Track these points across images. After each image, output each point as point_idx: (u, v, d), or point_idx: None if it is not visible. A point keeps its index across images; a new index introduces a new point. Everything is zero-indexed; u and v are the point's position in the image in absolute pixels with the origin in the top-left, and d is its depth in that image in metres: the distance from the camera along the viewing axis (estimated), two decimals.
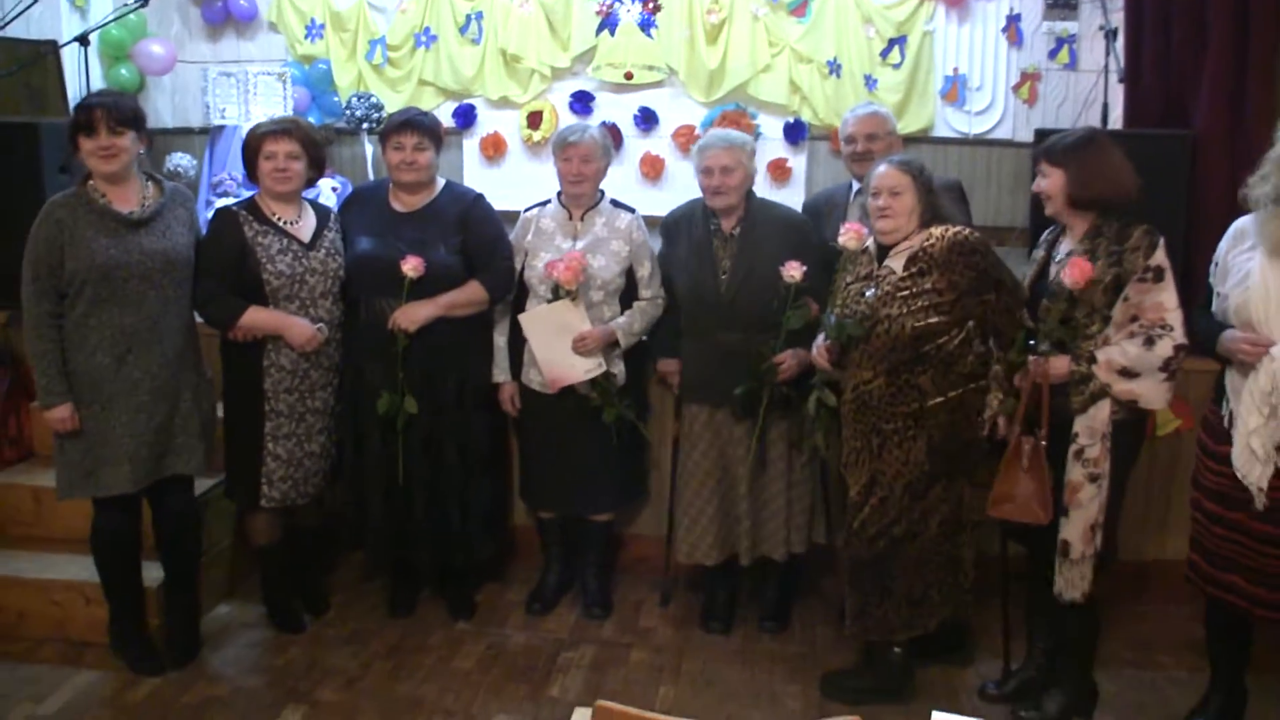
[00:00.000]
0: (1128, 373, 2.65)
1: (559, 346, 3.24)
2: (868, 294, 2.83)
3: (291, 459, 3.20)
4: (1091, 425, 2.70)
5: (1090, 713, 2.93)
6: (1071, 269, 2.63)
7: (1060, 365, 2.69)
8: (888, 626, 2.93)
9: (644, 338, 3.42)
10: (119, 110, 2.87)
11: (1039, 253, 2.91)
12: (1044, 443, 2.72)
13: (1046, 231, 2.93)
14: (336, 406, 3.29)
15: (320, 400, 3.23)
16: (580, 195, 3.34)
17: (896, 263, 2.82)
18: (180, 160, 4.85)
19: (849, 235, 2.89)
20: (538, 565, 3.69)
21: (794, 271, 3.04)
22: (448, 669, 3.21)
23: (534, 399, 3.40)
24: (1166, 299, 2.64)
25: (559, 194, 3.40)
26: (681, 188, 3.33)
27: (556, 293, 3.23)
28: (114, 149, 2.86)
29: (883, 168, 2.86)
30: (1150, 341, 2.63)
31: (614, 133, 4.77)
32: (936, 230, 2.80)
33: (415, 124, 3.22)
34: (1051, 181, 2.75)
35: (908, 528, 2.85)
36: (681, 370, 3.40)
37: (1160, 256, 2.65)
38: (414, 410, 3.18)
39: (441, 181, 3.36)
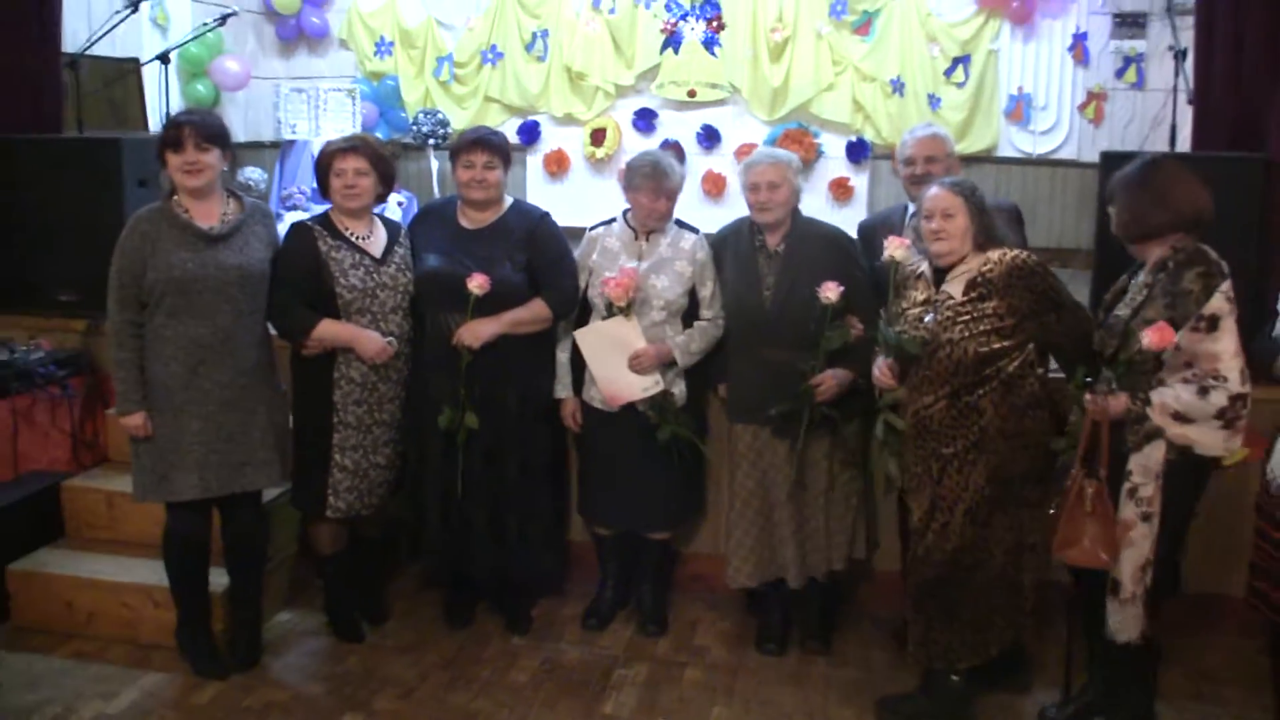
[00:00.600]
0: (1181, 417, 2.56)
1: (615, 364, 3.26)
2: (927, 319, 2.82)
3: (358, 470, 3.26)
4: (1146, 464, 2.63)
5: None
6: (1153, 333, 2.50)
7: (1119, 404, 2.61)
8: (951, 653, 2.90)
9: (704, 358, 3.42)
10: (206, 128, 2.98)
11: (1124, 278, 2.83)
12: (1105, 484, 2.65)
13: None
14: (403, 419, 3.34)
15: (388, 413, 3.28)
16: (658, 225, 3.36)
17: (954, 287, 2.80)
18: (251, 174, 4.99)
19: (894, 245, 2.89)
20: (594, 581, 3.70)
21: (830, 293, 3.03)
22: (503, 682, 3.23)
23: (595, 416, 3.42)
24: (1222, 349, 2.52)
25: (625, 213, 3.42)
26: (744, 205, 3.34)
27: (610, 309, 3.26)
28: (199, 165, 2.96)
29: (934, 190, 2.85)
30: (1204, 391, 2.53)
31: (677, 150, 4.81)
32: (994, 254, 2.77)
33: (486, 142, 3.27)
34: (1114, 217, 2.72)
35: (972, 554, 2.82)
36: (729, 389, 3.40)
37: (1217, 303, 2.52)
38: (475, 425, 3.22)
39: (509, 199, 3.40)
